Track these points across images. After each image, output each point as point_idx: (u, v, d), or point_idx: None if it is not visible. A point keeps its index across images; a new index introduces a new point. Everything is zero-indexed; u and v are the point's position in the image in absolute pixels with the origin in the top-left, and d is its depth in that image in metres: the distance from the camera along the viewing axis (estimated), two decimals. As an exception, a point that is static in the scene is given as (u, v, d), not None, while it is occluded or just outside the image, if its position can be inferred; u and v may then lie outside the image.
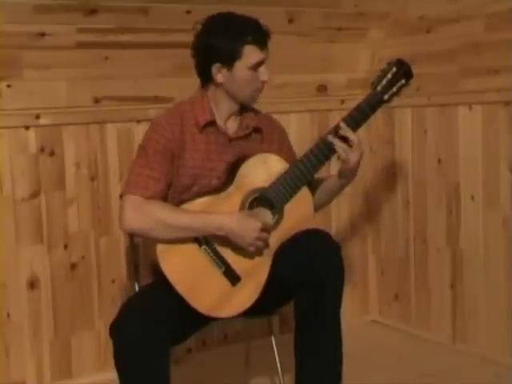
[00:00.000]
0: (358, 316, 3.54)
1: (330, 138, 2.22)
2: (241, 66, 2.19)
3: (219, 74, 2.21)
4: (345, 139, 2.22)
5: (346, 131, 2.21)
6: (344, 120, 2.23)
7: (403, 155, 3.34)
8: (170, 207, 2.16)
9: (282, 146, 2.40)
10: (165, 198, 2.20)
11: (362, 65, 3.44)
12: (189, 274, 2.13)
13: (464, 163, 3.03)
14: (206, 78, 2.27)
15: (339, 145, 2.21)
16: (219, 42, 2.18)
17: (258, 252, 2.19)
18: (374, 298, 3.58)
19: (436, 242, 3.19)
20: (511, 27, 2.74)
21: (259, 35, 2.20)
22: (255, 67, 2.21)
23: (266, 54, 2.22)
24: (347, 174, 2.30)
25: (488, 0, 2.83)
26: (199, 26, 2.24)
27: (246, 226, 2.13)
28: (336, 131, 2.23)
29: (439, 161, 3.13)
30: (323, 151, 2.23)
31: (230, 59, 2.19)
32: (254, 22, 2.22)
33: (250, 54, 2.18)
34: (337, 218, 3.49)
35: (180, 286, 2.10)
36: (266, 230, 2.17)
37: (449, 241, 3.12)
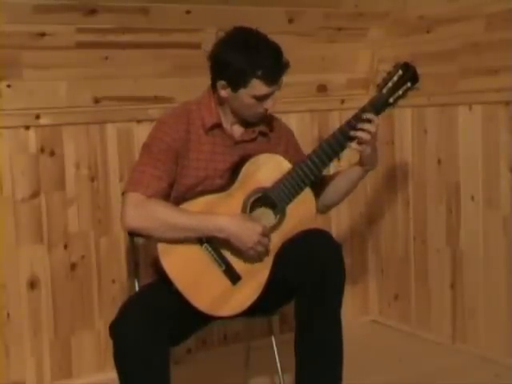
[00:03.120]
0: (358, 316, 3.54)
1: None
2: (245, 93, 2.17)
3: (223, 90, 2.19)
4: (349, 137, 2.23)
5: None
6: (348, 122, 2.24)
7: (403, 155, 3.34)
8: (172, 207, 2.15)
9: (288, 148, 2.39)
10: (167, 197, 2.19)
11: (361, 65, 3.44)
12: (189, 271, 2.13)
13: (464, 163, 3.03)
14: (214, 86, 2.24)
15: (361, 126, 2.21)
16: (231, 62, 2.14)
17: (258, 257, 2.18)
18: (374, 298, 3.58)
19: (436, 242, 3.19)
20: (511, 27, 2.74)
21: (271, 71, 2.14)
22: (259, 99, 2.18)
23: (275, 88, 2.18)
24: (370, 159, 2.27)
25: (488, 0, 2.83)
26: (222, 34, 2.20)
27: (246, 230, 2.12)
28: (340, 132, 2.23)
29: (439, 161, 3.13)
30: (327, 152, 2.23)
31: (235, 84, 2.15)
32: (274, 53, 2.16)
33: (256, 87, 2.15)
34: (337, 218, 3.49)
35: (180, 283, 2.10)
36: (267, 234, 2.17)
37: (449, 241, 3.12)
